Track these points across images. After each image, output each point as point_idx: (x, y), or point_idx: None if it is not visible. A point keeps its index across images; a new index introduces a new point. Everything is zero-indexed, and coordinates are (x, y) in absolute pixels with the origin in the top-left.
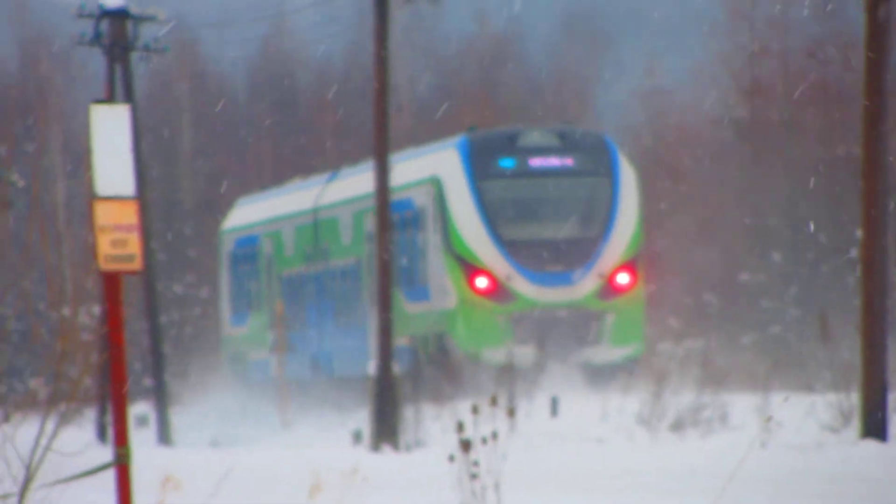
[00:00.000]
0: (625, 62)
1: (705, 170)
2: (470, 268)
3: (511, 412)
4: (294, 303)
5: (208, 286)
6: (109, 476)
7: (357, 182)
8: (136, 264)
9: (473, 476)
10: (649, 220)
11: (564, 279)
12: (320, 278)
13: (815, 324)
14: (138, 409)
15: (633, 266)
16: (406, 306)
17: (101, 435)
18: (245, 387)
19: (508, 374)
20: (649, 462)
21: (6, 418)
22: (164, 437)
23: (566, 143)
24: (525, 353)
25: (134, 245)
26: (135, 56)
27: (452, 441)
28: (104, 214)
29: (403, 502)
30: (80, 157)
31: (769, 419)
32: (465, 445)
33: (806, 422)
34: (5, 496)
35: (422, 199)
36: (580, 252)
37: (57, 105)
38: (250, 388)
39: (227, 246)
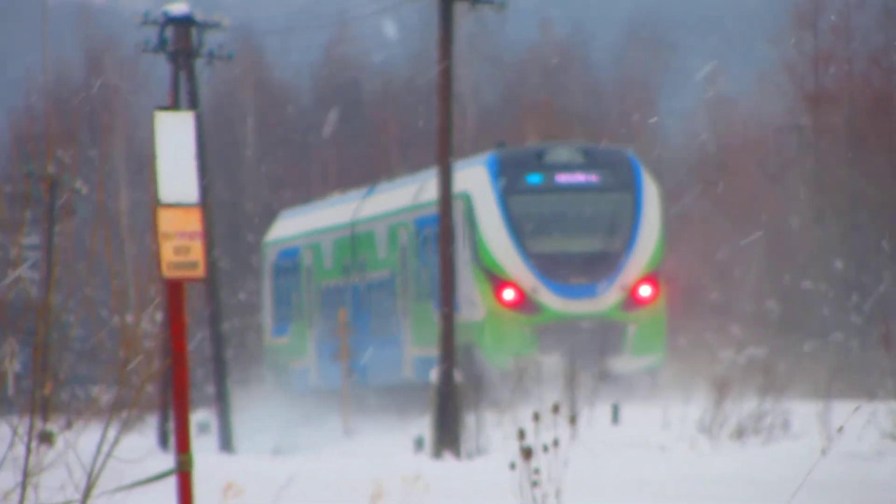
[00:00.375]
0: (689, 70)
1: (769, 177)
2: (497, 280)
3: (573, 420)
4: (332, 313)
5: None
6: (171, 483)
7: (393, 197)
8: (200, 271)
9: (534, 483)
10: (712, 226)
11: (589, 291)
12: (357, 290)
13: (877, 331)
14: (200, 416)
15: (655, 279)
16: (437, 317)
17: (163, 442)
18: (287, 395)
19: (570, 381)
20: (710, 470)
21: (68, 425)
22: (226, 444)
23: (591, 160)
24: (550, 364)
25: (197, 252)
26: (199, 63)
27: (514, 448)
28: (167, 221)
29: None
30: (144, 164)
31: (840, 429)
32: (527, 453)
33: (867, 430)
34: (68, 502)
35: (452, 214)
36: (604, 265)
37: (121, 112)
38: (293, 395)
39: (270, 258)
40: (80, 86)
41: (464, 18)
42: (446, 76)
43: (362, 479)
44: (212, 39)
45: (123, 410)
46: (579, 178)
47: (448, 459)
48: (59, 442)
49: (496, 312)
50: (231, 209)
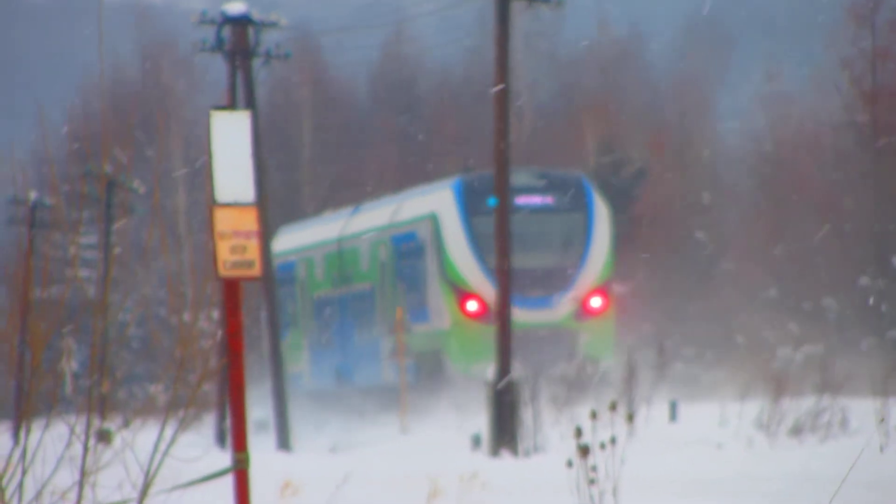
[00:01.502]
0: (746, 67)
1: (826, 174)
2: (462, 293)
3: (630, 417)
4: (322, 322)
5: None
6: (228, 481)
7: (374, 216)
8: (256, 270)
9: (592, 481)
10: (772, 223)
11: (544, 303)
12: (343, 300)
13: None
14: (257, 414)
15: (605, 291)
16: (410, 327)
17: (221, 440)
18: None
19: (629, 380)
20: (768, 467)
21: (125, 424)
22: (283, 442)
23: (548, 184)
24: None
25: (253, 251)
26: (256, 62)
27: (571, 446)
28: (224, 221)
29: None
30: (200, 164)
31: None
32: (584, 451)
33: None
34: (125, 501)
35: (423, 232)
36: (558, 279)
37: (178, 112)
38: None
39: None
40: (137, 85)
41: (520, 16)
42: (503, 74)
43: (419, 478)
44: (269, 39)
45: (180, 409)
46: (536, 200)
47: (505, 457)
48: (117, 440)
49: (461, 322)
50: (288, 208)
